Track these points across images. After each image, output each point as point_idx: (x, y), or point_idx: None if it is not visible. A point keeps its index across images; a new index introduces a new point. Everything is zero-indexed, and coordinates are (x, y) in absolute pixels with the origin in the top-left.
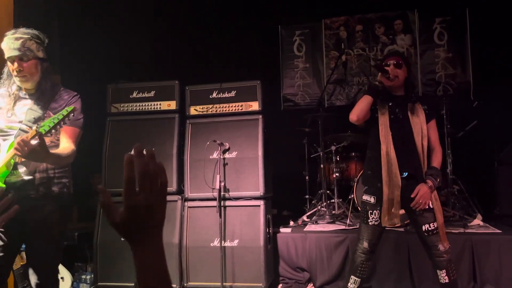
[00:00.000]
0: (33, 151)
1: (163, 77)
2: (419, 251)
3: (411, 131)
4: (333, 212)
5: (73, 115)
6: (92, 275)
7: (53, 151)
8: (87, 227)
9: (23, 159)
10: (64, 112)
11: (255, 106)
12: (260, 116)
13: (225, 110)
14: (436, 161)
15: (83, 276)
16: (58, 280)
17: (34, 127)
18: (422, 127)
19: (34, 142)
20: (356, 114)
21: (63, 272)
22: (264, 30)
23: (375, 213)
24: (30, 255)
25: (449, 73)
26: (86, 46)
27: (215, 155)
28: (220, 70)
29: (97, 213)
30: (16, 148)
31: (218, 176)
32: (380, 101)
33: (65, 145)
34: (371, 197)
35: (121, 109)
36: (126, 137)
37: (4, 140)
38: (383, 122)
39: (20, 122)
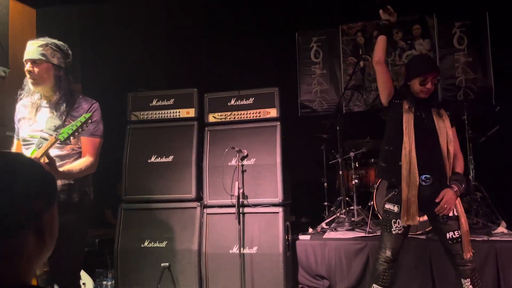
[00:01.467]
0: None
1: (182, 85)
2: (442, 259)
3: (436, 135)
4: (352, 219)
5: (91, 122)
6: (113, 281)
7: (65, 167)
8: (108, 233)
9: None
10: (82, 119)
11: (273, 113)
12: (278, 123)
13: (243, 117)
14: (459, 167)
15: (104, 282)
16: (80, 286)
17: (54, 135)
18: (447, 132)
19: (44, 159)
20: (377, 54)
21: (85, 278)
22: (281, 37)
23: (398, 221)
24: (52, 261)
25: (470, 77)
26: (106, 56)
27: (233, 162)
28: (238, 77)
29: (117, 220)
30: None
31: (236, 183)
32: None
33: (82, 159)
34: (394, 205)
35: (141, 117)
36: (146, 145)
37: (27, 149)
38: (407, 119)
39: (42, 130)
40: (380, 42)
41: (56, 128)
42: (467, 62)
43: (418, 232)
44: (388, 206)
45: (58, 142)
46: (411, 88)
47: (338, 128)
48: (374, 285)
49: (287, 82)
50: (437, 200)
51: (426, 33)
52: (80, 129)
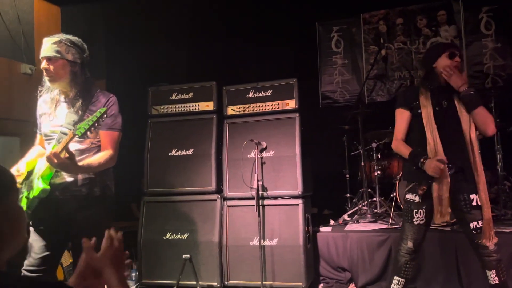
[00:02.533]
0: (62, 164)
1: (202, 78)
2: (467, 250)
3: (458, 122)
4: (375, 211)
5: (106, 116)
6: (137, 273)
7: (84, 162)
8: (134, 226)
9: None
10: (98, 114)
11: (291, 104)
12: (297, 114)
13: (262, 109)
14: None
15: (128, 273)
16: None
17: (72, 130)
18: (470, 119)
19: (64, 154)
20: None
21: None
22: (301, 27)
23: (420, 212)
24: (75, 253)
25: (498, 64)
26: (130, 51)
27: (252, 154)
28: (258, 70)
29: (140, 212)
30: (46, 159)
31: (255, 175)
32: (427, 96)
33: (102, 153)
34: (415, 196)
35: (162, 111)
36: (166, 138)
37: (49, 144)
38: (427, 114)
39: (61, 125)
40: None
41: (75, 123)
42: (495, 48)
43: (442, 224)
44: (409, 196)
45: (77, 137)
46: (437, 71)
47: (359, 118)
48: (395, 277)
49: (308, 73)
50: None
51: (452, 19)
52: (96, 124)
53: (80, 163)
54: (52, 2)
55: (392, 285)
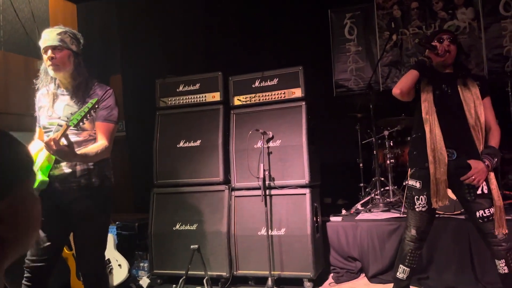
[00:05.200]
0: (60, 150)
1: (215, 70)
2: (481, 239)
3: (461, 107)
4: (387, 199)
5: (98, 107)
6: (149, 263)
7: (81, 151)
8: (147, 217)
9: None
10: (89, 104)
11: (298, 92)
12: (303, 103)
13: (268, 99)
14: (494, 141)
15: (141, 264)
16: (104, 267)
17: (65, 122)
18: (475, 102)
19: (64, 141)
20: (399, 87)
21: (121, 260)
22: (313, 15)
23: (421, 198)
24: (76, 243)
25: None
26: (144, 47)
27: (259, 144)
28: (270, 59)
29: (150, 204)
30: (45, 146)
31: (261, 165)
32: (427, 80)
33: (97, 143)
34: (416, 181)
35: (169, 103)
36: (174, 130)
37: (48, 136)
38: (426, 98)
39: (59, 118)
40: (409, 76)
41: (72, 115)
42: None
43: (456, 212)
44: (411, 182)
45: (71, 128)
46: (432, 60)
47: (371, 106)
48: (400, 265)
49: (321, 62)
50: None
51: (469, 1)
52: (88, 115)
53: (78, 152)
54: (68, 0)
55: (397, 273)
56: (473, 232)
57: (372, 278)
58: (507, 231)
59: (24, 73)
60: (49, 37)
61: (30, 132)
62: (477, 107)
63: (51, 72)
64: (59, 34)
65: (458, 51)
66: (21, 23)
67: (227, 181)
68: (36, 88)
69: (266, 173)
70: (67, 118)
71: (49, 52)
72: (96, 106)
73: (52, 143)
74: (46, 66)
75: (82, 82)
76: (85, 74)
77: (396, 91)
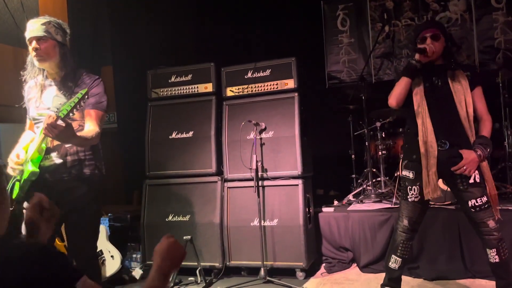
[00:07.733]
0: (61, 133)
1: (207, 60)
2: (471, 229)
3: (451, 99)
4: (379, 190)
5: (87, 97)
6: (142, 254)
7: (79, 133)
8: (139, 209)
9: (54, 144)
10: (79, 95)
11: (290, 83)
12: (296, 94)
13: (261, 90)
14: (485, 131)
15: (134, 255)
16: (96, 258)
17: (55, 112)
18: (465, 94)
19: (61, 123)
20: (395, 99)
21: (113, 251)
22: (305, 6)
23: (414, 189)
24: (68, 234)
25: (509, 38)
26: (135, 37)
27: (251, 136)
28: (262, 50)
29: (142, 196)
30: (45, 131)
31: (254, 156)
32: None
33: (90, 127)
34: (410, 172)
35: (161, 94)
36: (166, 121)
37: (38, 127)
38: (417, 91)
39: (48, 108)
40: (401, 85)
41: (62, 106)
42: (507, 22)
43: (446, 203)
44: (404, 172)
45: (60, 119)
46: (421, 62)
47: (363, 97)
48: (392, 255)
49: (313, 53)
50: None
51: None
52: (78, 106)
53: (78, 134)
54: None
55: (390, 263)
56: (463, 222)
57: (363, 268)
58: (498, 217)
59: (13, 64)
60: (33, 27)
61: (19, 123)
62: (467, 99)
63: (36, 63)
64: (43, 24)
65: (446, 41)
66: (10, 13)
67: (219, 172)
68: (23, 80)
69: (259, 164)
70: (57, 109)
71: (34, 43)
72: (86, 97)
73: (52, 126)
74: (32, 57)
75: (70, 72)
76: (72, 65)
77: (392, 103)
